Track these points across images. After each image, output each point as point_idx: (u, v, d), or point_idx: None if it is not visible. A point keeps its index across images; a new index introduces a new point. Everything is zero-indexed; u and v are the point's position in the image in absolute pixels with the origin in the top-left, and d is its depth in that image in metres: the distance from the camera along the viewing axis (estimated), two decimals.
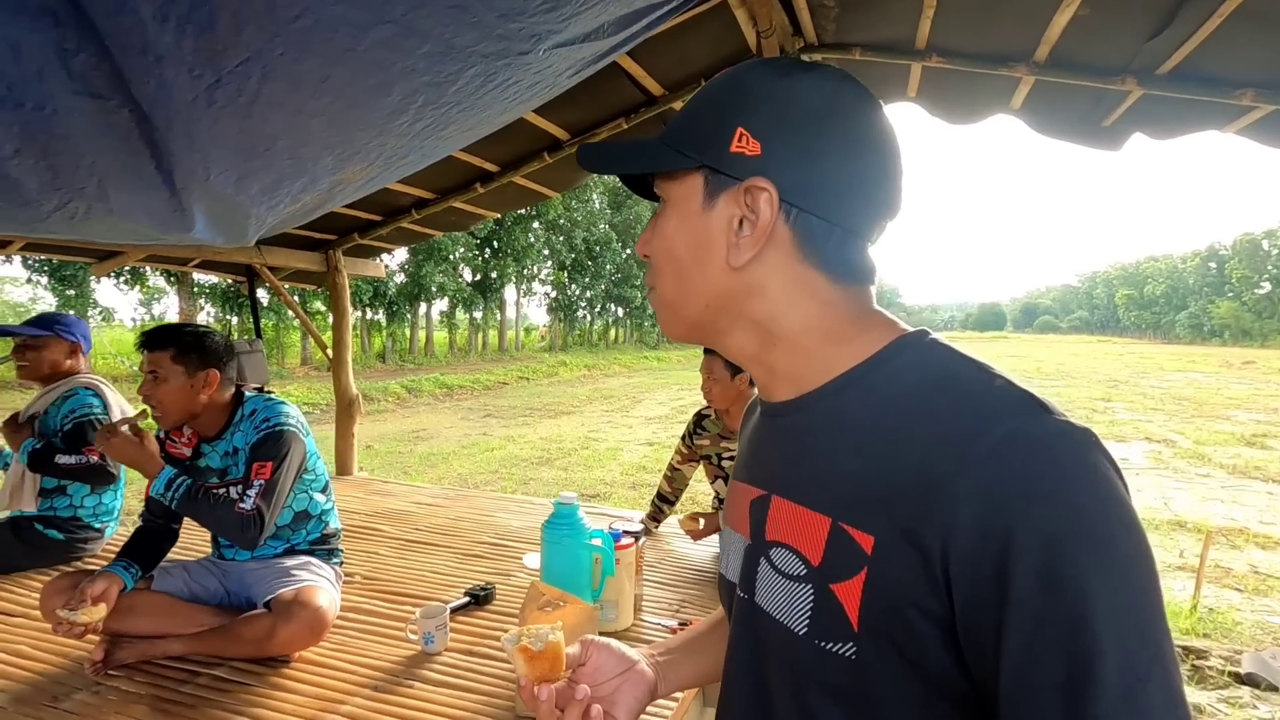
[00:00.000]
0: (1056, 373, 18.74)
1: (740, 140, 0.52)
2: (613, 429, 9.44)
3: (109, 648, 1.65)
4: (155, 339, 1.74)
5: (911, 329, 0.55)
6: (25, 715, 1.49)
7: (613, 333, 35.61)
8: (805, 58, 2.11)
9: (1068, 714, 0.39)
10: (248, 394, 1.91)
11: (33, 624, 1.91)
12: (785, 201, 0.52)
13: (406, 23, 1.00)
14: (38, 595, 2.02)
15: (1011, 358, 25.75)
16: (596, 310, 32.99)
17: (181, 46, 0.90)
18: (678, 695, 1.43)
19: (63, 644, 1.79)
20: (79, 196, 1.17)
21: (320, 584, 1.82)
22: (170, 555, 1.90)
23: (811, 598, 0.50)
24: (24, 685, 1.61)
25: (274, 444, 1.77)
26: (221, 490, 1.78)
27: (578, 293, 31.00)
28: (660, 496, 2.62)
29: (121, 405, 2.47)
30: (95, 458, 2.27)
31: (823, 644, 0.49)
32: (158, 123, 1.05)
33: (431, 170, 2.37)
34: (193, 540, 2.48)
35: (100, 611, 1.56)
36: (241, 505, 1.69)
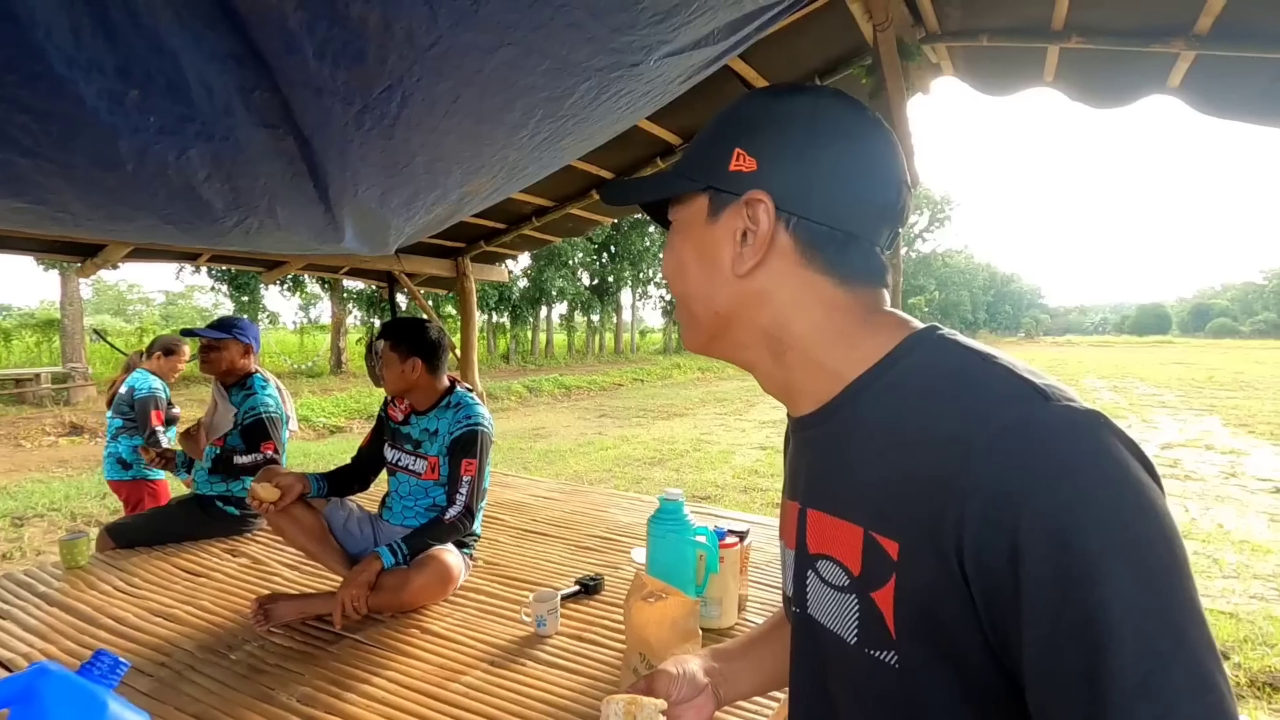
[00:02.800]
0: (1234, 382, 16.48)
1: (738, 159, 0.55)
2: (725, 432, 9.40)
3: (265, 610, 1.89)
4: (384, 330, 2.20)
5: (921, 326, 0.54)
6: (205, 660, 1.73)
7: None
8: (927, 49, 2.02)
9: (1090, 701, 0.38)
10: (460, 388, 2.23)
11: (214, 584, 2.22)
12: (782, 210, 0.54)
13: (527, 43, 1.07)
14: (219, 559, 2.35)
15: (1178, 365, 22.91)
16: None
17: (336, 79, 1.02)
18: (776, 701, 1.43)
19: (237, 602, 2.07)
20: (254, 213, 1.34)
21: (451, 549, 2.06)
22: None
23: (857, 607, 0.51)
24: (205, 635, 1.88)
25: (474, 443, 2.10)
26: (425, 533, 2.05)
27: None
28: None
29: (287, 399, 2.81)
30: (270, 452, 2.59)
31: (871, 652, 0.50)
32: (316, 147, 1.19)
33: (550, 179, 2.49)
34: (368, 494, 2.78)
35: (274, 494, 1.95)
36: (447, 515, 2.05)
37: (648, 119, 2.42)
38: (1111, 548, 0.39)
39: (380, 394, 2.41)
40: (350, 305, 19.68)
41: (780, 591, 0.70)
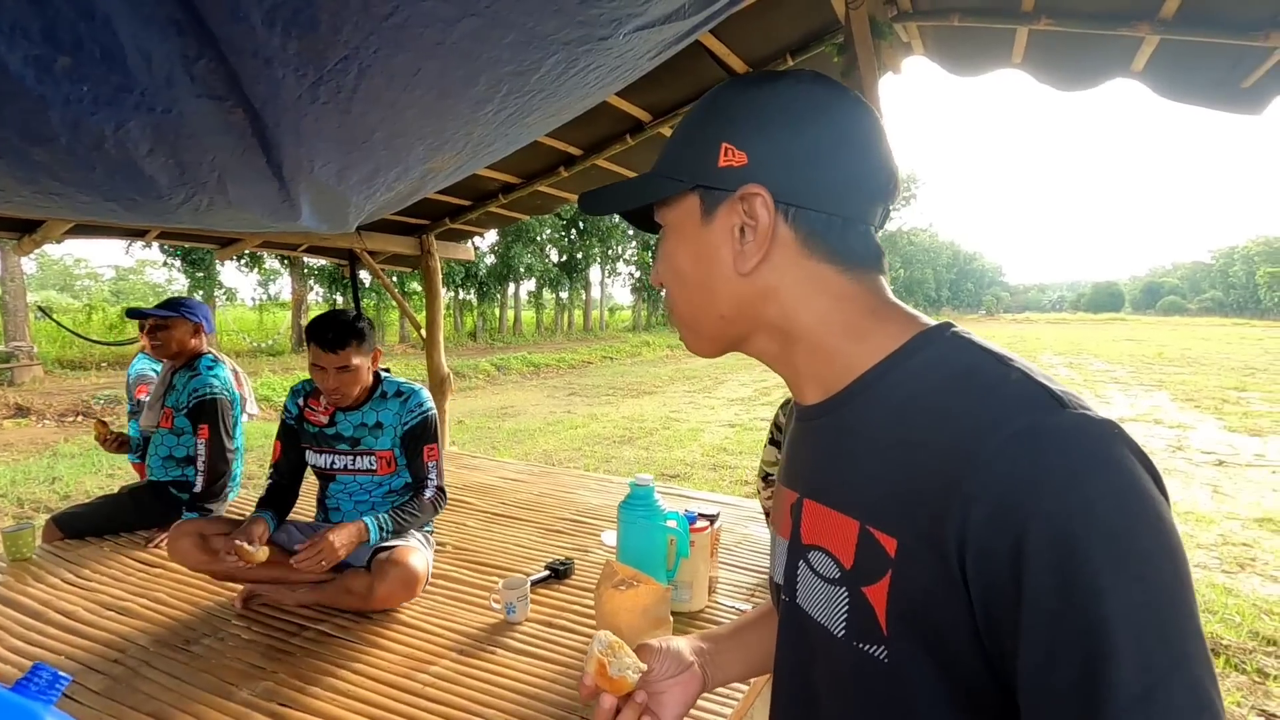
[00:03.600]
0: (1181, 358, 17.16)
1: (726, 154, 0.54)
2: (694, 409, 9.45)
3: (249, 594, 1.86)
4: (339, 338, 1.89)
5: (933, 322, 0.54)
6: (162, 655, 1.68)
7: None
8: (899, 26, 2.00)
9: (1085, 715, 0.38)
10: (381, 373, 2.11)
11: (169, 574, 2.15)
12: (780, 201, 0.53)
13: (492, 14, 1.02)
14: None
15: (1129, 341, 23.77)
16: None
17: (287, 48, 0.96)
18: (741, 690, 1.44)
19: (194, 594, 2.01)
20: (202, 190, 1.27)
21: (414, 545, 1.97)
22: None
23: (847, 600, 0.51)
24: (161, 629, 1.82)
25: (432, 428, 2.07)
26: (407, 510, 1.98)
27: None
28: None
29: (243, 381, 2.71)
30: (204, 439, 2.49)
31: (859, 645, 0.50)
32: (268, 120, 1.12)
33: (517, 156, 2.43)
34: (300, 505, 2.70)
35: (265, 552, 1.80)
36: (424, 496, 2.01)
37: (617, 95, 2.36)
38: (1117, 561, 0.39)
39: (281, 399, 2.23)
40: (311, 282, 19.18)
41: (768, 577, 0.69)
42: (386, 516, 1.91)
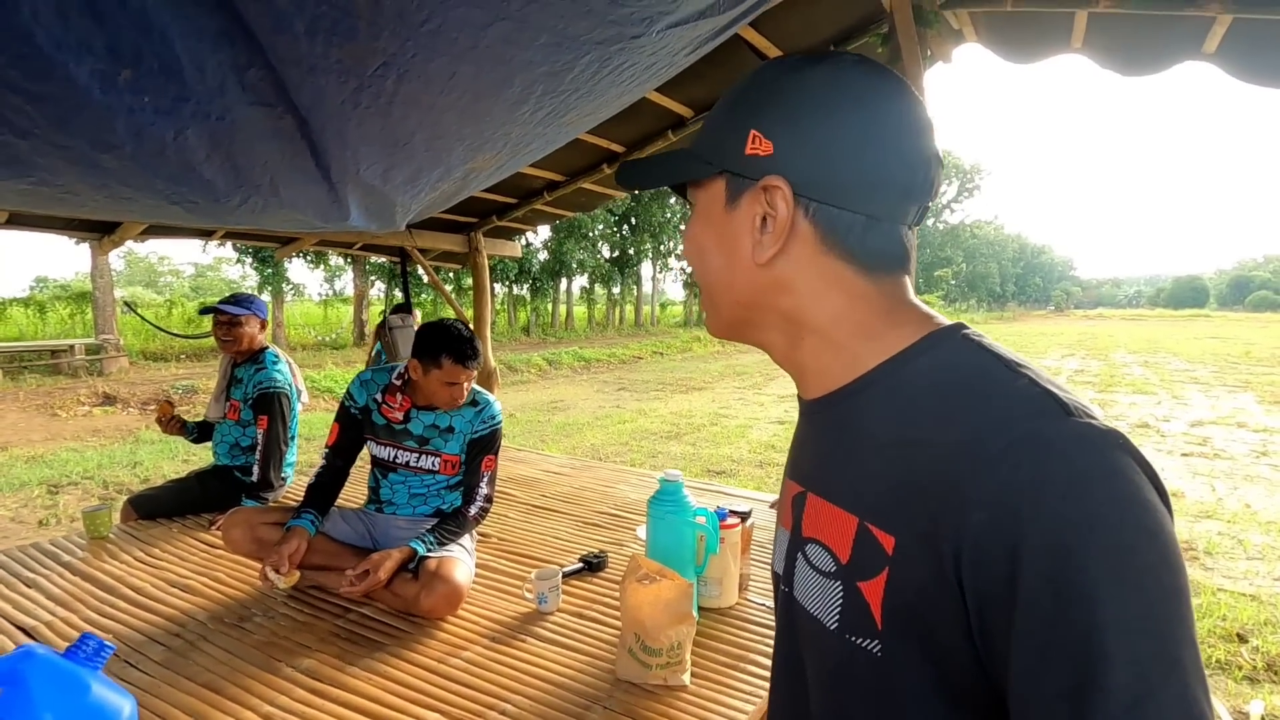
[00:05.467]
0: (1272, 357, 15.99)
1: (754, 142, 0.53)
2: (743, 406, 9.38)
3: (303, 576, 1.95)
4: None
5: (947, 323, 0.53)
6: (217, 630, 1.80)
7: None
8: (949, 14, 1.94)
9: None
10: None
11: (230, 556, 2.26)
12: (801, 196, 0.52)
13: (522, 17, 1.05)
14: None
15: (1213, 339, 22.31)
16: None
17: (329, 56, 1.01)
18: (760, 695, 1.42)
19: (249, 574, 2.13)
20: (257, 192, 1.34)
21: (459, 556, 2.00)
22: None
23: (841, 594, 0.51)
24: (219, 607, 1.94)
25: (497, 442, 2.15)
26: (450, 527, 2.04)
27: None
28: None
29: (296, 373, 2.85)
30: (263, 430, 2.62)
31: (852, 638, 0.50)
32: (314, 125, 1.18)
33: (561, 154, 2.46)
34: (349, 492, 2.82)
35: (295, 577, 1.88)
36: (469, 511, 2.07)
37: (658, 91, 2.37)
38: (1114, 570, 0.39)
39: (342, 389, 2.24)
40: (373, 278, 19.85)
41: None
42: (432, 537, 1.96)
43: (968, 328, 0.52)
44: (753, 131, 0.53)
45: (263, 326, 2.79)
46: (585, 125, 1.68)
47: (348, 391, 2.16)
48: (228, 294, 2.84)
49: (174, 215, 1.45)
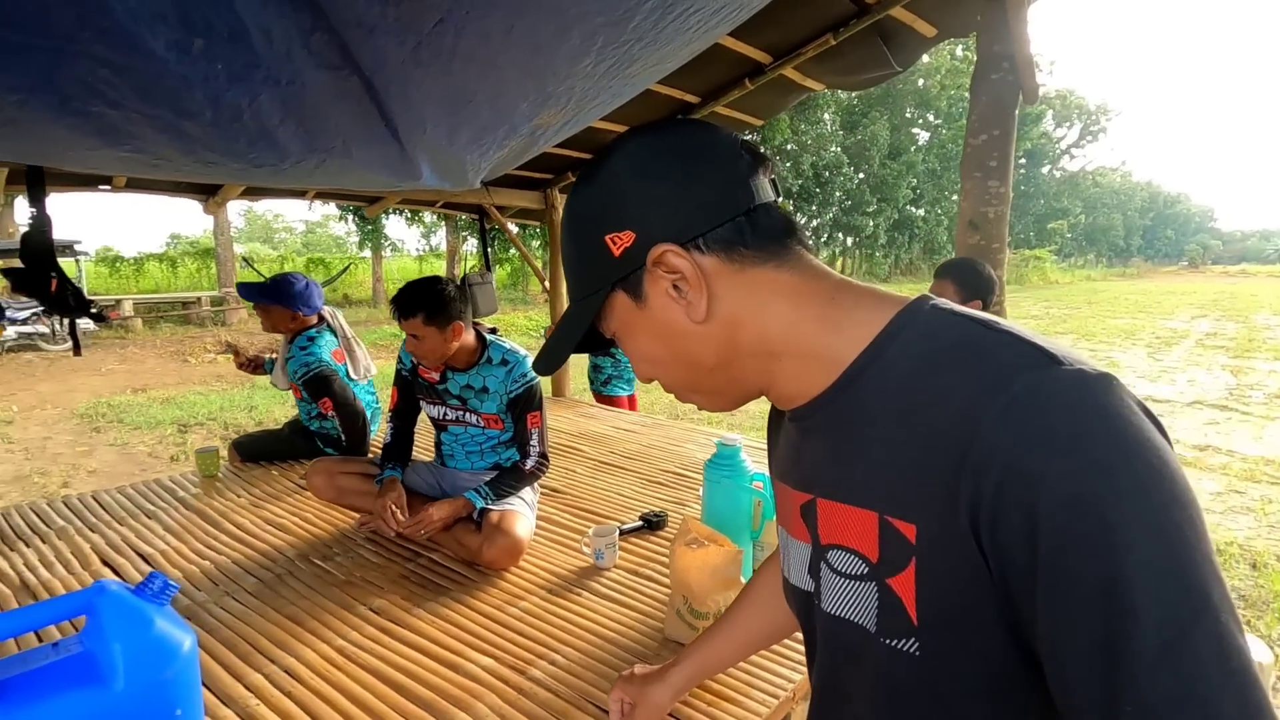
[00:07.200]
0: None
1: (614, 243, 0.55)
2: None
3: (373, 526, 2.08)
4: (405, 308, 1.95)
5: (909, 299, 0.52)
6: (303, 566, 1.96)
7: (840, 263, 33.81)
8: None
9: (1110, 672, 0.38)
10: (489, 338, 2.16)
11: (318, 500, 2.38)
12: (684, 243, 0.53)
13: None
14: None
15: None
16: (824, 240, 31.41)
17: (386, 16, 1.01)
18: (775, 699, 1.38)
19: (334, 517, 2.29)
20: (330, 155, 1.39)
21: (521, 510, 2.05)
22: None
23: (876, 596, 0.50)
24: (304, 544, 2.11)
25: (536, 397, 2.12)
26: (509, 480, 2.08)
27: (804, 221, 29.70)
28: None
29: (355, 345, 2.91)
30: (330, 410, 2.67)
31: (890, 642, 0.49)
32: (379, 86, 1.20)
33: (631, 107, 2.39)
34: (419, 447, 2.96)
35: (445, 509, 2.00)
36: (526, 465, 2.10)
37: (733, 36, 2.25)
38: (1130, 514, 0.38)
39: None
40: (464, 234, 20.48)
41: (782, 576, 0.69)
42: (488, 489, 2.01)
43: (933, 299, 0.52)
44: (606, 237, 0.55)
45: (294, 316, 2.77)
46: (653, 76, 1.62)
47: (399, 355, 2.22)
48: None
49: (259, 177, 1.53)
